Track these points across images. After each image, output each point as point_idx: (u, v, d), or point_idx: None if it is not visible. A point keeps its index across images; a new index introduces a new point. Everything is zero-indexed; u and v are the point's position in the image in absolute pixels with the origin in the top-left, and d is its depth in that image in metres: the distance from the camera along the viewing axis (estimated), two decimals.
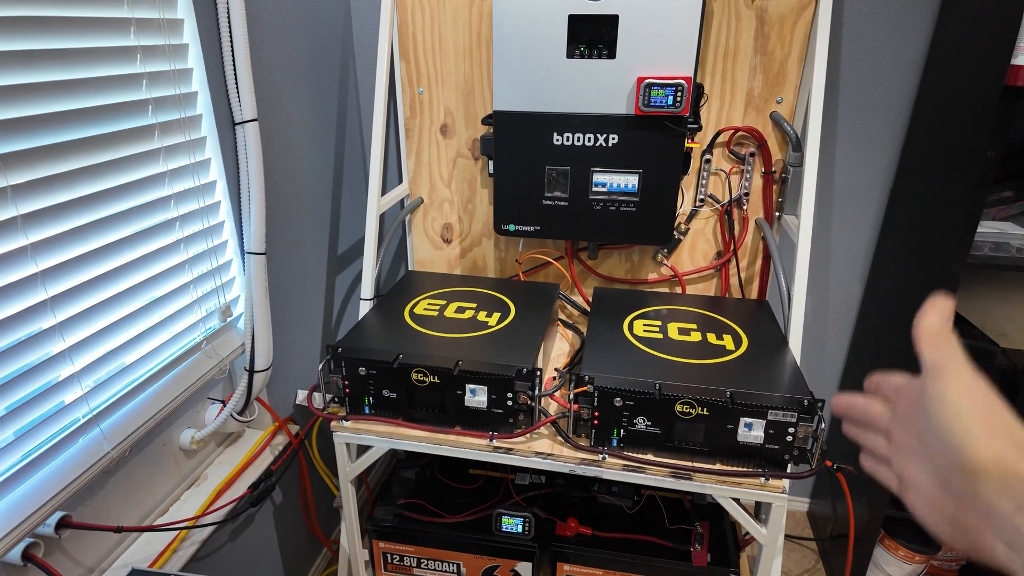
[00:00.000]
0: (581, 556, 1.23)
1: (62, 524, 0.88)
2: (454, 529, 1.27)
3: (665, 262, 1.43)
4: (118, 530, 0.94)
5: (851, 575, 1.53)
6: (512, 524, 1.23)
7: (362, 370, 1.12)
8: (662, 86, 1.14)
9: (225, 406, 1.20)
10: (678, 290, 1.45)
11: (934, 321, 0.39)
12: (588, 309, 1.40)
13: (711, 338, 1.19)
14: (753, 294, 1.42)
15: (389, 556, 1.31)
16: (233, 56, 1.08)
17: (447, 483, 1.39)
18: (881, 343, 1.43)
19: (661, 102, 1.15)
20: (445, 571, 1.30)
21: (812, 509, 1.86)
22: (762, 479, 1.01)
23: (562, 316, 1.53)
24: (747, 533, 1.10)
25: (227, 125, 1.12)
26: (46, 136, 0.80)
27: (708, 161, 1.33)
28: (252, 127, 1.13)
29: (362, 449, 1.17)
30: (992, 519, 0.32)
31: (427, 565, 1.30)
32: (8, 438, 0.79)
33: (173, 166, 1.01)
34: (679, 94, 1.14)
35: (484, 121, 1.34)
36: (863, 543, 1.48)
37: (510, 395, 1.08)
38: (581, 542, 1.24)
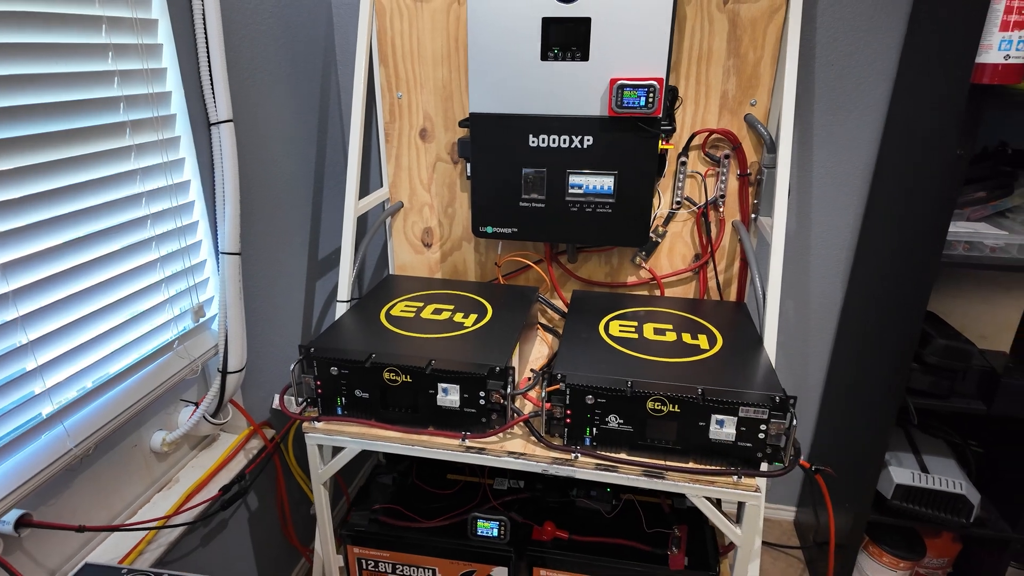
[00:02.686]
0: (558, 560, 1.21)
1: (21, 523, 0.87)
2: (430, 534, 1.25)
3: (643, 265, 1.43)
4: (80, 529, 0.93)
5: None
6: (488, 528, 1.21)
7: (334, 370, 1.11)
8: (634, 87, 1.15)
9: (198, 408, 1.19)
10: (657, 293, 1.44)
11: None
12: (566, 312, 1.39)
13: (686, 338, 1.18)
14: (732, 296, 1.42)
15: (364, 562, 1.29)
16: (208, 57, 1.09)
17: (425, 488, 1.38)
18: (864, 343, 1.43)
19: (634, 103, 1.16)
20: None
21: (799, 518, 1.84)
22: (735, 478, 1.00)
23: (543, 320, 1.52)
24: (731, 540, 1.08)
25: (202, 125, 1.12)
26: (11, 129, 0.80)
27: (684, 163, 1.34)
28: (227, 128, 1.13)
29: (337, 451, 1.16)
30: None
31: (402, 571, 1.28)
32: None
33: (145, 164, 1.02)
34: (651, 95, 1.15)
35: (461, 124, 1.35)
36: (847, 549, 1.46)
37: (482, 394, 1.08)
38: (558, 546, 1.22)
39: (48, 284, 0.87)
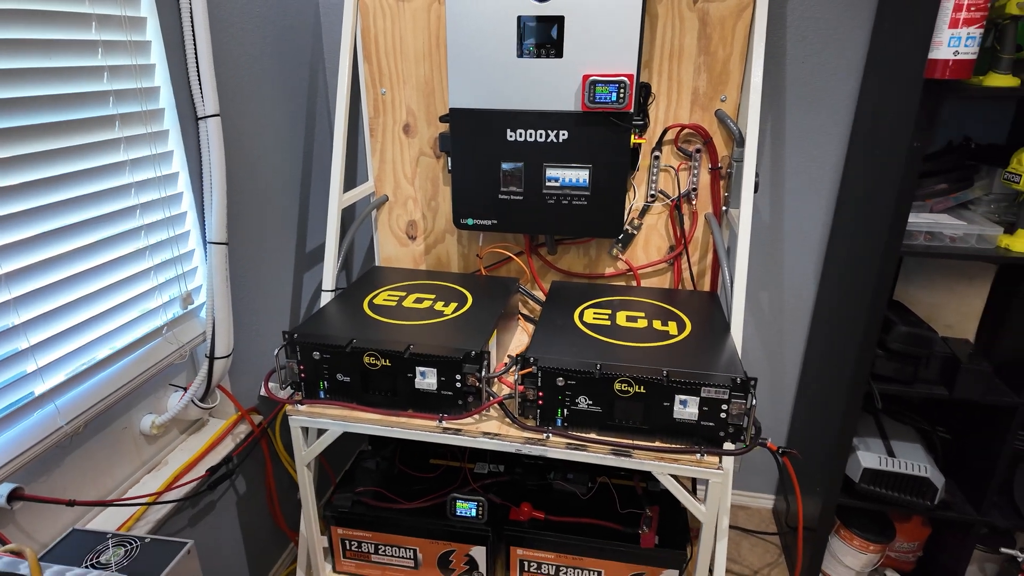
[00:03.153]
0: (534, 539, 1.25)
1: (14, 496, 0.91)
2: (410, 515, 1.30)
3: (620, 256, 1.48)
4: (71, 503, 0.97)
5: (810, 567, 1.56)
6: (466, 508, 1.26)
7: (316, 354, 1.15)
8: (606, 83, 1.19)
9: (186, 392, 1.23)
10: (633, 284, 1.49)
11: None
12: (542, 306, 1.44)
13: (657, 325, 1.23)
14: (706, 287, 1.46)
15: (347, 543, 1.33)
16: (196, 54, 1.13)
17: (408, 472, 1.42)
18: (834, 332, 1.47)
19: (605, 98, 1.20)
20: (402, 557, 1.32)
21: (776, 506, 1.88)
22: (698, 455, 1.04)
23: (524, 311, 1.57)
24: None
25: (190, 119, 1.17)
26: (5, 120, 0.84)
27: (657, 158, 1.38)
28: (214, 122, 1.18)
29: (320, 434, 1.20)
30: None
31: (384, 551, 1.32)
32: None
33: (134, 156, 1.06)
34: (622, 90, 1.19)
35: (442, 119, 1.39)
36: (818, 533, 1.51)
37: (459, 377, 1.12)
38: (535, 526, 1.26)
39: (40, 268, 0.91)
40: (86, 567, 0.70)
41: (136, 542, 0.78)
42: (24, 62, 0.86)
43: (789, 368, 1.73)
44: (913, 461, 1.36)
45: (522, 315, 1.54)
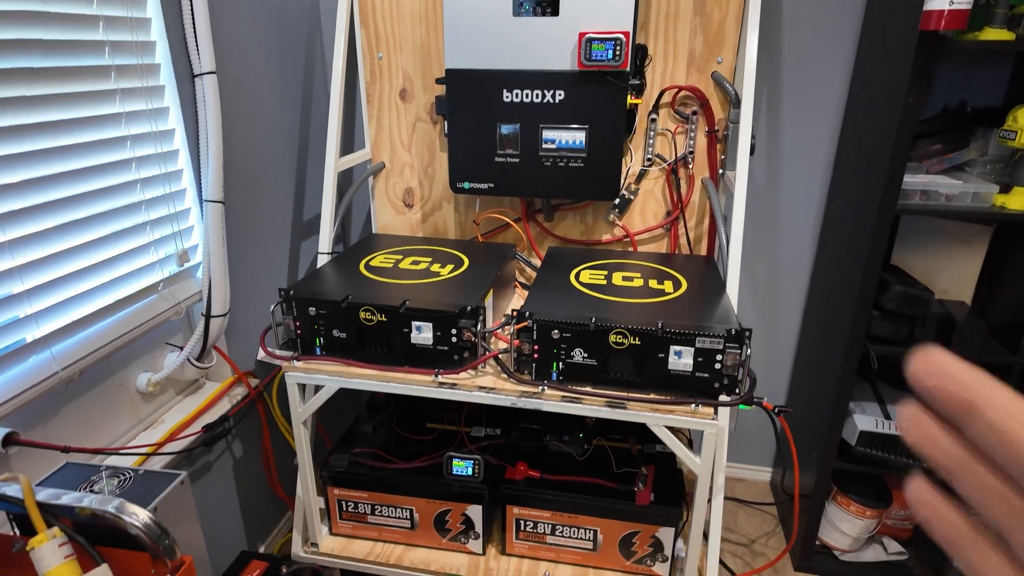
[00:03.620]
0: (530, 498, 1.26)
1: (9, 440, 0.91)
2: (407, 474, 1.30)
3: (617, 222, 1.48)
4: (65, 450, 0.97)
5: (806, 535, 1.56)
6: (462, 467, 1.26)
7: (312, 310, 1.16)
8: (602, 40, 1.19)
9: (182, 351, 1.23)
10: (630, 249, 1.49)
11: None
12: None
13: (652, 283, 1.23)
14: (703, 252, 1.46)
15: (344, 503, 1.33)
16: (192, 10, 1.13)
17: (404, 435, 1.42)
18: (830, 296, 1.47)
19: (602, 56, 1.20)
20: (399, 517, 1.32)
21: (773, 479, 1.88)
22: (693, 406, 1.05)
23: (521, 279, 1.57)
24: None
25: (186, 77, 1.17)
26: (2, 61, 0.85)
27: (654, 121, 1.38)
28: (211, 79, 1.18)
29: (316, 392, 1.21)
30: None
31: (381, 512, 1.32)
32: None
33: (129, 108, 1.06)
34: (618, 48, 1.19)
35: (438, 81, 1.39)
36: (814, 500, 1.51)
37: (454, 332, 1.12)
38: (531, 485, 1.27)
39: (35, 213, 0.91)
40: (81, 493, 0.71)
41: (129, 473, 0.78)
42: (22, 4, 0.87)
43: (785, 337, 1.73)
44: None
45: (519, 283, 1.54)
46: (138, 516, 0.66)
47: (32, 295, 0.92)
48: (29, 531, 0.74)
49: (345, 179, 1.68)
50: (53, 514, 0.65)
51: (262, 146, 1.42)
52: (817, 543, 1.58)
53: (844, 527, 1.53)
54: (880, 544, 1.58)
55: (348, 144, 1.74)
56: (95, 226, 1.02)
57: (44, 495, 0.66)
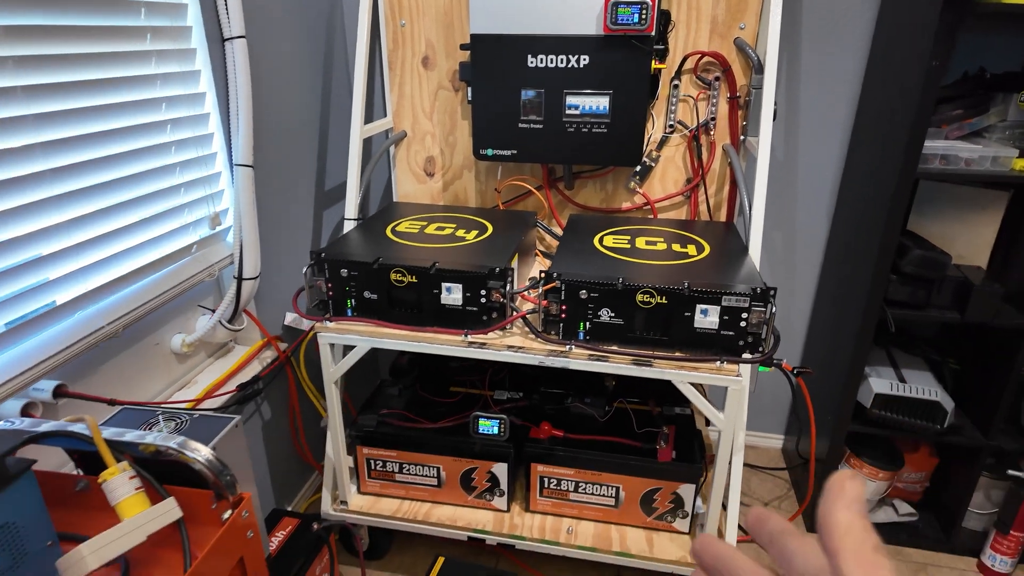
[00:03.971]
0: (554, 456, 1.29)
1: (58, 392, 0.94)
2: (434, 433, 1.33)
3: (638, 189, 1.49)
4: (111, 403, 1.00)
5: (817, 497, 1.59)
6: (488, 426, 1.29)
7: (344, 271, 1.18)
8: (628, 4, 1.20)
9: (214, 313, 1.26)
10: (650, 217, 1.51)
11: (854, 523, 0.26)
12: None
13: (675, 247, 1.25)
14: (722, 218, 1.48)
15: (372, 462, 1.37)
16: None
17: (429, 398, 1.45)
18: (847, 263, 1.49)
19: (627, 20, 1.21)
20: (426, 475, 1.36)
21: (786, 445, 1.92)
22: (718, 363, 1.07)
23: (541, 248, 1.59)
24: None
25: (217, 41, 1.18)
26: (50, 17, 0.86)
27: (676, 87, 1.39)
28: (240, 43, 1.19)
29: (347, 352, 1.23)
30: None
31: (408, 470, 1.36)
32: (3, 296, 0.85)
33: (164, 71, 1.08)
34: (644, 11, 1.20)
35: (463, 47, 1.40)
36: (829, 463, 1.54)
37: (483, 292, 1.15)
38: (554, 443, 1.30)
39: (80, 170, 0.93)
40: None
41: (185, 417, 0.81)
42: None
43: (800, 303, 1.75)
44: (924, 386, 1.39)
45: (539, 251, 1.56)
46: (200, 452, 0.69)
47: (79, 250, 0.95)
48: (92, 470, 0.78)
49: (364, 148, 1.69)
50: (118, 451, 0.68)
51: (285, 113, 1.44)
52: None
53: None
54: (891, 506, 1.62)
55: (368, 113, 1.74)
56: (134, 186, 1.04)
57: (108, 433, 0.69)
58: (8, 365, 0.86)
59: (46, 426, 0.67)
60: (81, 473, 0.78)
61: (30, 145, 0.86)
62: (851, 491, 0.27)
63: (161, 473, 0.71)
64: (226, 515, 0.71)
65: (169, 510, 0.67)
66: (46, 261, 0.90)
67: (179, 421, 0.80)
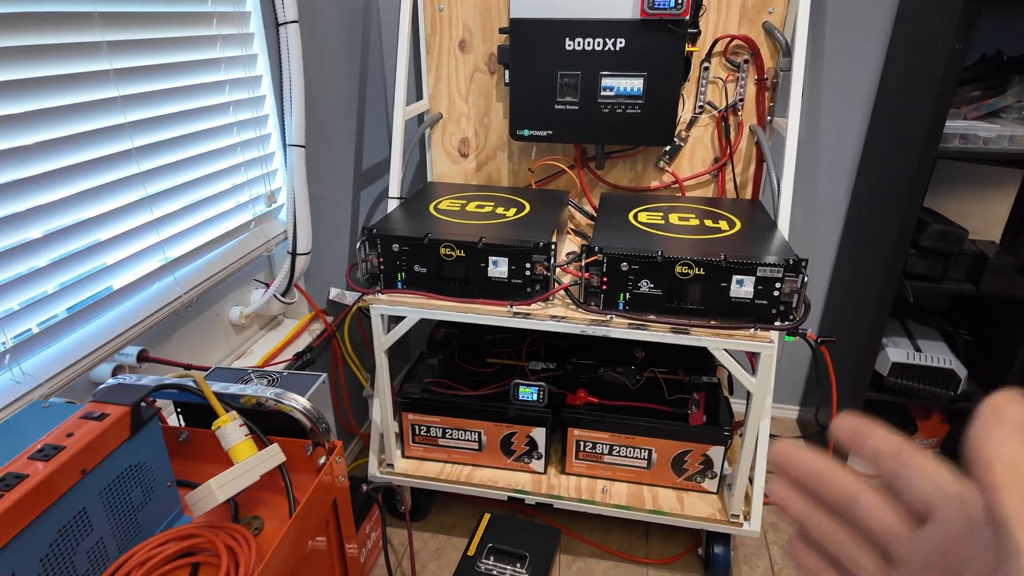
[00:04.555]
0: (590, 421, 1.37)
1: (141, 357, 1.01)
2: (476, 400, 1.41)
3: (667, 168, 1.55)
4: (187, 367, 1.07)
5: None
6: (528, 393, 1.37)
7: (395, 246, 1.25)
8: None
9: (269, 287, 1.33)
10: (678, 195, 1.57)
11: (1020, 455, 0.22)
12: (595, 215, 1.52)
13: (708, 223, 1.32)
14: (748, 196, 1.54)
15: (417, 428, 1.45)
16: None
17: (467, 368, 1.53)
18: (866, 239, 1.56)
19: (664, 4, 1.26)
20: (468, 440, 1.44)
21: (800, 416, 2.00)
22: (752, 330, 1.15)
23: (571, 226, 1.66)
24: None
25: (272, 25, 1.23)
26: (131, 4, 0.92)
27: (706, 69, 1.45)
28: (293, 28, 1.24)
29: (396, 323, 1.31)
30: None
31: (451, 435, 1.44)
32: (97, 267, 0.91)
33: (227, 54, 1.13)
34: None
35: (502, 31, 1.45)
36: None
37: (528, 266, 1.22)
38: (590, 409, 1.38)
39: (159, 148, 1.00)
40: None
41: (276, 375, 0.88)
42: None
43: (818, 278, 1.82)
44: (939, 355, 1.47)
45: (570, 229, 1.62)
46: (298, 402, 0.76)
47: (159, 224, 1.01)
48: (194, 423, 0.85)
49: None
50: (224, 403, 0.76)
51: (329, 96, 1.49)
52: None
53: None
54: None
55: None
56: (202, 164, 1.10)
57: (212, 387, 0.76)
58: (99, 332, 0.93)
59: (162, 380, 0.74)
60: (183, 424, 0.85)
61: (120, 125, 0.92)
62: (1014, 415, 0.22)
63: (259, 425, 0.78)
64: (322, 460, 0.79)
65: (275, 454, 0.74)
66: (127, 236, 0.97)
67: (271, 378, 0.87)
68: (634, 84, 1.37)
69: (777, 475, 0.29)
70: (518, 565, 1.18)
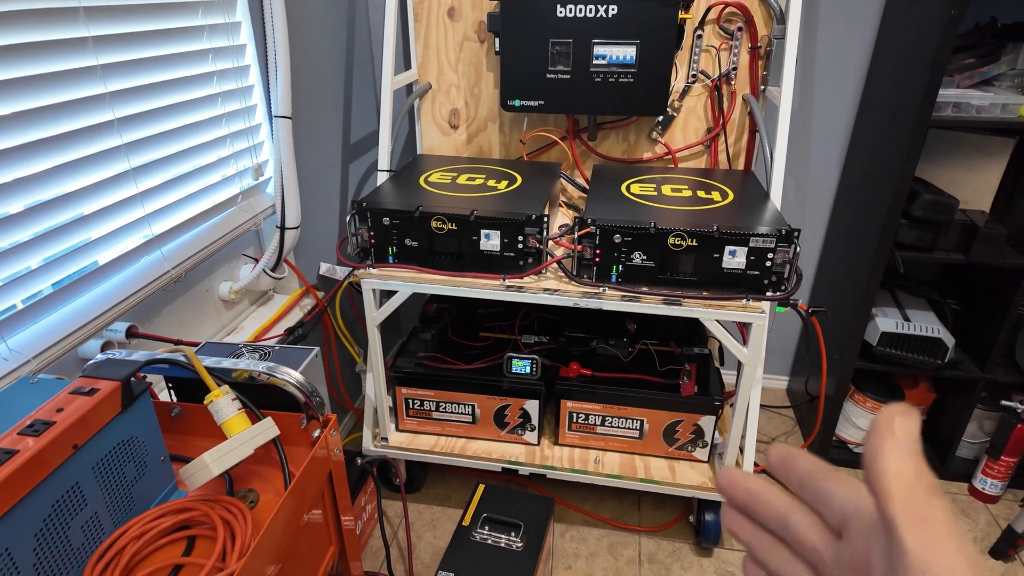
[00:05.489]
0: (583, 393, 1.38)
1: (131, 333, 1.00)
2: (469, 374, 1.41)
3: (659, 139, 1.54)
4: (177, 342, 1.06)
5: (823, 430, 1.71)
6: (521, 366, 1.37)
7: (386, 220, 1.23)
8: None
9: (258, 262, 1.31)
10: (671, 167, 1.56)
11: (905, 465, 0.24)
12: (587, 187, 1.51)
13: (700, 194, 1.31)
14: (740, 167, 1.54)
15: (410, 401, 1.45)
16: None
17: (460, 342, 1.53)
18: (857, 209, 1.56)
19: None
20: (461, 413, 1.44)
21: (790, 386, 2.03)
22: (744, 301, 1.15)
23: (564, 199, 1.64)
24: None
25: None
26: None
27: (700, 37, 1.43)
28: None
29: (387, 297, 1.30)
30: None
31: (445, 408, 1.44)
32: (82, 241, 0.90)
33: (209, 21, 1.10)
34: None
35: None
36: (834, 399, 1.65)
37: (520, 239, 1.21)
38: (583, 381, 1.38)
39: (143, 119, 0.97)
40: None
41: (268, 349, 0.88)
42: None
43: (809, 248, 1.83)
44: (927, 324, 1.48)
45: (563, 202, 1.61)
46: (291, 376, 0.76)
47: (144, 198, 0.99)
48: (187, 398, 0.84)
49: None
50: (216, 377, 0.75)
51: (315, 66, 1.46)
52: (834, 438, 1.73)
53: (860, 422, 1.68)
54: None
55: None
56: (186, 136, 1.08)
57: (204, 362, 0.76)
58: (86, 307, 0.91)
59: (153, 355, 0.74)
60: (175, 399, 0.84)
61: (100, 95, 0.89)
62: (902, 430, 0.25)
63: (251, 399, 0.77)
64: (316, 433, 0.79)
65: (269, 428, 0.74)
66: (111, 210, 0.95)
67: (263, 352, 0.87)
68: (627, 52, 1.34)
69: (725, 501, 0.32)
70: (512, 534, 1.20)
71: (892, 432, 0.25)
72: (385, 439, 1.47)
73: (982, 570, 0.23)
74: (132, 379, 0.67)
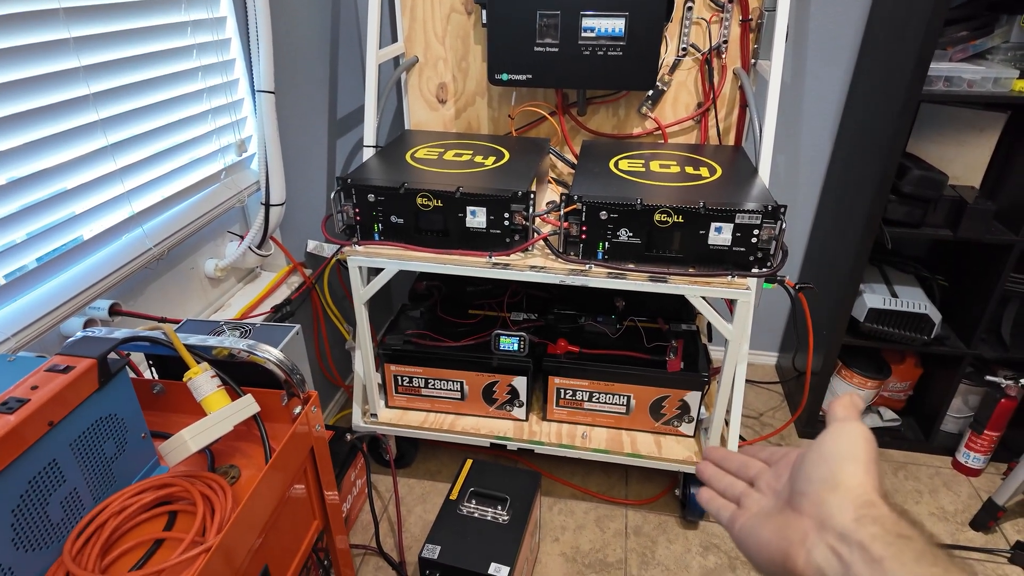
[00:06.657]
0: (570, 369, 1.38)
1: (114, 311, 1.00)
2: (457, 351, 1.42)
3: (649, 114, 1.52)
4: (161, 320, 1.06)
5: (811, 405, 1.72)
6: (509, 343, 1.38)
7: (371, 196, 1.22)
8: None
9: (244, 240, 1.31)
10: (661, 142, 1.55)
11: (846, 398, 0.44)
12: (576, 163, 1.50)
13: (689, 170, 1.30)
14: (731, 142, 1.52)
15: (399, 378, 1.46)
16: None
17: (449, 320, 1.53)
18: (847, 185, 1.56)
19: None
20: (450, 390, 1.45)
21: (779, 362, 2.04)
22: (729, 277, 1.15)
23: (553, 175, 1.63)
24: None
25: None
26: None
27: (690, 9, 1.40)
28: None
29: (374, 275, 1.30)
30: (825, 526, 0.38)
31: (434, 385, 1.45)
32: (66, 216, 0.89)
33: None
34: None
35: None
36: (822, 375, 1.66)
37: (507, 215, 1.20)
38: (570, 358, 1.39)
39: (120, 93, 0.96)
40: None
41: (248, 326, 0.88)
42: None
43: (799, 225, 1.83)
44: (914, 301, 1.49)
45: (551, 178, 1.60)
46: (271, 353, 0.76)
47: (123, 174, 0.98)
48: (169, 376, 0.85)
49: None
50: (196, 354, 0.75)
51: (298, 40, 1.43)
52: (820, 413, 1.75)
53: None
54: (876, 413, 1.75)
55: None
56: (165, 111, 1.06)
57: (184, 339, 0.76)
58: (68, 285, 0.91)
59: (131, 332, 0.74)
60: (156, 377, 0.85)
61: (74, 69, 0.88)
62: (848, 399, 0.45)
63: (232, 377, 0.78)
64: (297, 410, 0.79)
65: (249, 404, 0.74)
66: (91, 185, 0.94)
67: (244, 330, 0.87)
68: (616, 24, 1.32)
69: (704, 460, 0.54)
70: (499, 507, 1.22)
71: (842, 399, 0.45)
72: (374, 415, 1.48)
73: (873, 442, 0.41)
74: (110, 356, 0.67)
